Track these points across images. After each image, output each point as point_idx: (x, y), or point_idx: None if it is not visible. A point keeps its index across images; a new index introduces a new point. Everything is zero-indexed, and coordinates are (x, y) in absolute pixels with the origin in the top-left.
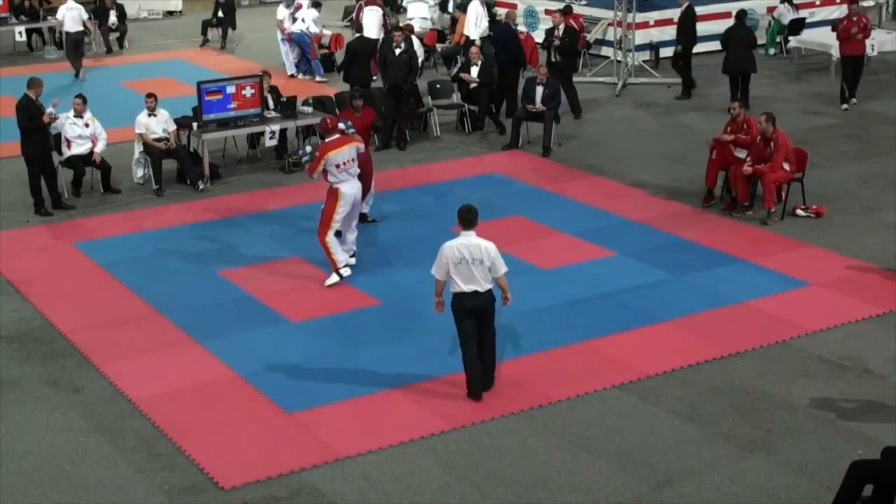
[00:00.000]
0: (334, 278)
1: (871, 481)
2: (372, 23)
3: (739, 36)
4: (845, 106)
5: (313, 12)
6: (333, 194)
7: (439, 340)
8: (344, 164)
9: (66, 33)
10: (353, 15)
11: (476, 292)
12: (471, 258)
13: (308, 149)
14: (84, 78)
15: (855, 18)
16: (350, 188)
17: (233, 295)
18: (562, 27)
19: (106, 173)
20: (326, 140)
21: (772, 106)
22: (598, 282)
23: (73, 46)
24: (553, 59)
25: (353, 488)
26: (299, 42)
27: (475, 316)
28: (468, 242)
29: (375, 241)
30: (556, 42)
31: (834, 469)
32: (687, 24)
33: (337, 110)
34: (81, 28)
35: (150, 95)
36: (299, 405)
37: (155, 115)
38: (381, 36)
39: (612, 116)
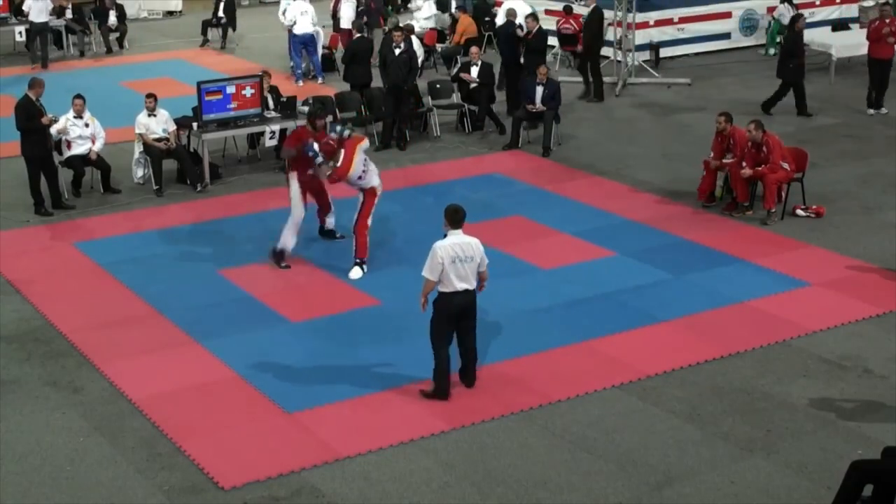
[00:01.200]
0: (359, 272)
1: (871, 481)
2: (348, 14)
3: (784, 39)
4: (872, 111)
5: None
6: (372, 192)
7: None
8: (364, 171)
9: (32, 23)
10: (331, 6)
11: (467, 290)
12: (464, 256)
13: (339, 127)
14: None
15: (888, 21)
16: (378, 179)
17: (233, 295)
18: (535, 30)
19: (106, 173)
20: (339, 162)
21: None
22: (598, 282)
23: (39, 38)
24: (521, 60)
25: (353, 488)
26: (307, 42)
27: (461, 314)
28: (460, 241)
29: (375, 240)
30: (521, 33)
31: (834, 469)
32: (592, 26)
33: (337, 110)
34: (46, 19)
35: (150, 96)
36: (299, 405)
37: (155, 116)
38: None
39: (612, 116)
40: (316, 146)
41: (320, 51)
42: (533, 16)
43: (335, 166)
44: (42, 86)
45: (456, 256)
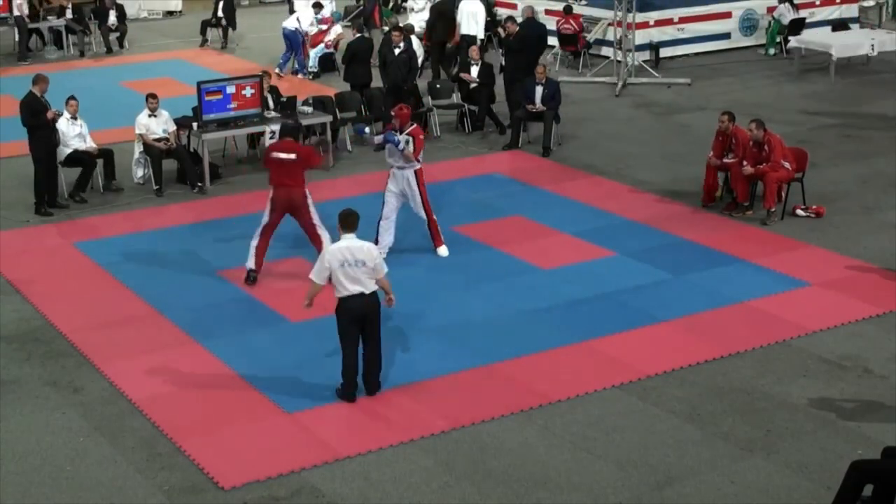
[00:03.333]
0: (446, 250)
1: (871, 481)
2: (302, 8)
3: None
4: None
5: (310, 12)
6: (421, 173)
7: (439, 340)
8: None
9: (15, 18)
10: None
11: (362, 294)
12: (353, 260)
13: (367, 130)
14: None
15: None
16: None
17: (233, 295)
18: (515, 32)
19: (109, 158)
20: (413, 127)
21: (772, 106)
22: (598, 282)
23: (20, 32)
24: (501, 64)
25: (353, 488)
26: (290, 38)
27: (361, 319)
28: (349, 245)
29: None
30: (501, 33)
31: (834, 469)
32: (444, 19)
33: (337, 110)
34: (26, 12)
35: (152, 96)
36: (299, 405)
37: (156, 116)
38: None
39: (612, 116)
40: (398, 135)
41: (312, 51)
42: (511, 19)
43: (412, 150)
44: (46, 82)
45: (345, 260)
